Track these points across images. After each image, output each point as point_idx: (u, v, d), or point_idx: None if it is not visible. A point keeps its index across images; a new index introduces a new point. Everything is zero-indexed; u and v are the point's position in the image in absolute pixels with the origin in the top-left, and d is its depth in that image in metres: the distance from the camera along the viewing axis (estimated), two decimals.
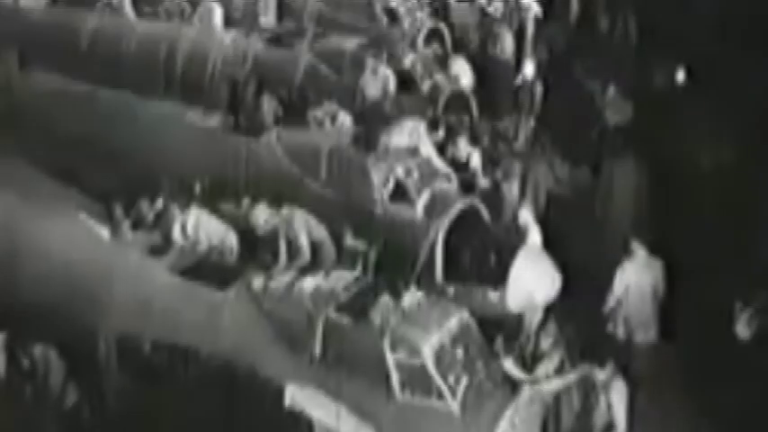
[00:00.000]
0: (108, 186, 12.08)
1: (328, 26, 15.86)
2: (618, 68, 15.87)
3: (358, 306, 7.84)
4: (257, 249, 9.37)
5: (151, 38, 15.46)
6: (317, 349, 7.76)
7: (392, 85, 13.17)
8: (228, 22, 16.17)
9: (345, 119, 11.75)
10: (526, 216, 10.44)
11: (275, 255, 9.17)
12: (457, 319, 7.89)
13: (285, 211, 9.68)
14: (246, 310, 8.22)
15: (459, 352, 7.63)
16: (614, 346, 8.30)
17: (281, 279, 8.39)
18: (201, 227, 9.38)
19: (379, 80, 13.09)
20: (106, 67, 15.27)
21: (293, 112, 13.19)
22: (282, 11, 16.66)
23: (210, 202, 10.56)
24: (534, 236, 10.28)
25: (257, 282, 8.36)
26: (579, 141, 14.60)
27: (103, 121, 12.50)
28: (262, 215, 9.69)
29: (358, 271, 8.66)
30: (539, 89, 14.76)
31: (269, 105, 13.01)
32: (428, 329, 7.64)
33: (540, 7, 17.73)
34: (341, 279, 8.26)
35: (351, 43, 14.26)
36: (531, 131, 14.46)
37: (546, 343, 7.96)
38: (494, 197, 11.92)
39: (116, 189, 11.89)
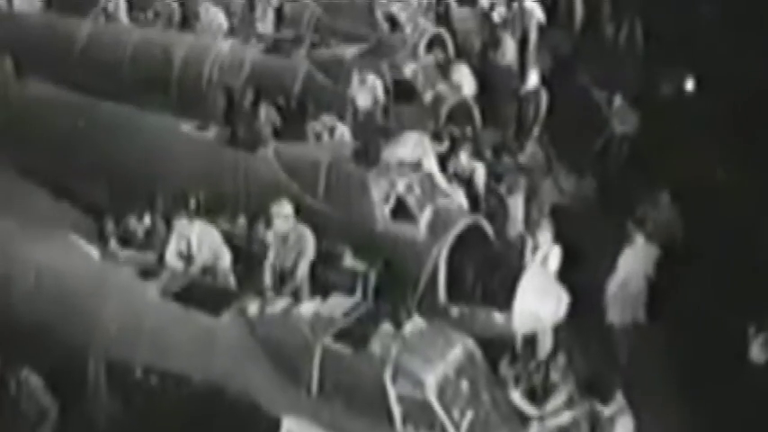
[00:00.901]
0: (100, 200, 11.87)
1: (327, 33, 15.52)
2: (624, 77, 15.53)
3: (358, 334, 7.46)
4: (253, 271, 9.04)
5: (147, 45, 15.11)
6: (315, 379, 7.39)
7: (381, 93, 12.82)
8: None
9: (345, 132, 11.38)
10: (545, 238, 10.06)
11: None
12: (461, 347, 7.52)
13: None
14: (241, 337, 7.85)
15: (465, 383, 7.26)
16: (621, 379, 7.91)
17: (278, 304, 8.01)
18: (199, 239, 9.02)
19: (368, 89, 12.72)
20: (100, 76, 14.90)
21: (291, 124, 12.88)
22: (281, 18, 16.27)
23: (205, 217, 10.30)
24: (554, 260, 9.92)
25: (252, 307, 8.00)
26: (585, 152, 14.31)
27: (96, 133, 12.11)
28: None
29: (358, 296, 8.30)
30: (543, 98, 14.40)
31: (266, 116, 12.69)
32: (431, 360, 7.27)
33: (543, 13, 17.39)
34: (340, 305, 7.87)
35: (350, 52, 13.90)
36: (536, 142, 14.12)
37: (556, 375, 7.60)
38: (498, 212, 11.63)
39: (108, 203, 11.70)
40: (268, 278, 9.06)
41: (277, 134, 12.26)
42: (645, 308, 10.33)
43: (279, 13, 16.33)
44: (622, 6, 17.85)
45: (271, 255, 9.25)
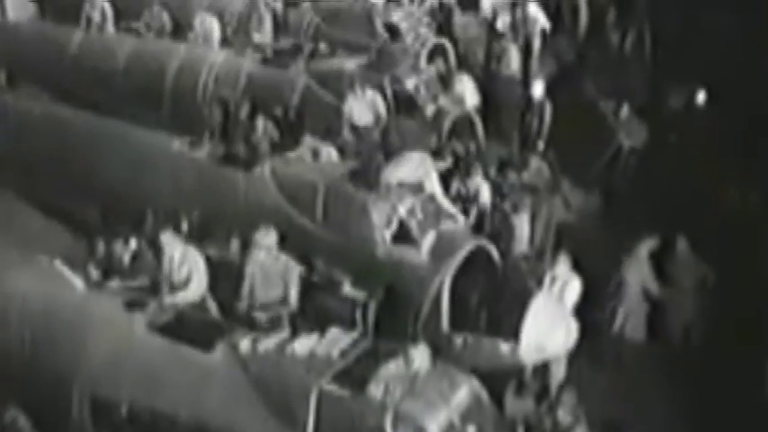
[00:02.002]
0: (92, 219, 11.46)
1: (326, 42, 15.07)
2: (632, 86, 15.05)
3: (357, 375, 7.00)
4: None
5: (140, 56, 14.72)
6: (311, 423, 6.94)
7: (382, 108, 12.36)
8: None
9: (333, 153, 10.88)
10: (563, 270, 9.62)
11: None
12: (467, 389, 7.07)
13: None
14: (232, 375, 7.40)
15: (471, 430, 6.80)
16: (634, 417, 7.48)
17: (271, 339, 7.55)
18: (182, 257, 8.58)
19: (366, 104, 12.26)
20: (92, 87, 14.58)
21: (289, 140, 12.44)
22: (278, 27, 15.79)
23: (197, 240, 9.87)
24: (572, 293, 9.50)
25: (245, 342, 7.54)
26: (591, 165, 13.83)
27: (87, 151, 11.73)
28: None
29: (357, 332, 7.84)
30: (548, 109, 13.91)
31: (263, 132, 12.24)
32: (434, 405, 6.81)
33: (547, 20, 16.92)
34: (338, 341, 7.41)
35: (350, 64, 13.44)
36: (541, 157, 13.63)
37: (566, 417, 7.14)
38: (503, 230, 11.18)
39: (99, 223, 11.30)
40: (242, 309, 8.59)
41: (274, 148, 11.81)
42: (645, 326, 10.12)
43: (276, 21, 15.86)
44: (628, 13, 17.36)
45: (246, 285, 8.78)
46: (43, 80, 15.03)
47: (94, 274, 8.60)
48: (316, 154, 10.84)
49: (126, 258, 8.75)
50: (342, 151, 11.04)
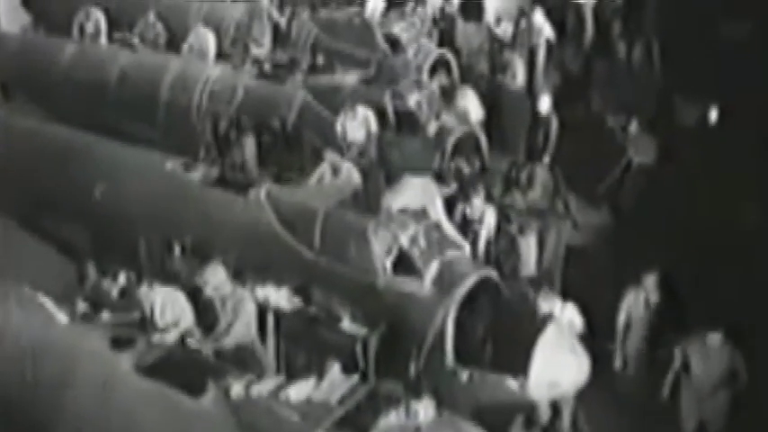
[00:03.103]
0: (82, 244, 11.02)
1: (325, 56, 14.62)
2: (640, 101, 14.58)
3: (357, 425, 6.56)
4: None
5: (133, 69, 14.25)
6: None
7: (374, 125, 11.90)
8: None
9: (354, 171, 10.44)
10: (571, 312, 9.15)
11: None
12: None
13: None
14: (222, 422, 6.94)
15: None
16: None
17: (266, 384, 7.10)
18: (163, 304, 8.14)
19: (359, 121, 11.81)
20: (84, 102, 14.17)
21: (285, 161, 12.02)
22: (276, 39, 15.34)
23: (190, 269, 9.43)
24: (579, 318, 9.05)
25: (237, 387, 7.09)
26: (600, 183, 13.37)
27: (77, 171, 11.22)
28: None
29: (356, 376, 7.38)
30: (554, 124, 13.42)
31: (251, 151, 11.83)
32: None
33: (553, 30, 16.47)
34: (336, 387, 6.96)
35: (350, 79, 12.99)
36: (547, 174, 13.17)
37: None
38: (509, 253, 10.74)
39: (90, 248, 10.86)
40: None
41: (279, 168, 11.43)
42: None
43: (274, 33, 15.41)
44: (636, 23, 16.90)
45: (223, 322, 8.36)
46: (36, 93, 14.73)
47: (81, 307, 8.13)
48: (336, 171, 10.44)
49: (114, 293, 8.29)
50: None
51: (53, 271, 10.70)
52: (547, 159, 13.23)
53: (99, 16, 15.91)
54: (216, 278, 8.40)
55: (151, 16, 15.50)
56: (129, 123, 13.64)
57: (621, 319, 9.61)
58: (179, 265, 10.09)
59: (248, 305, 8.38)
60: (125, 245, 10.50)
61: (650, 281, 9.51)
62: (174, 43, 15.39)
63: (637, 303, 9.54)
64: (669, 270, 9.72)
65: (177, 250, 10.22)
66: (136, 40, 15.14)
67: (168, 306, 8.11)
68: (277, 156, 12.55)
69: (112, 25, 16.05)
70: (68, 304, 8.38)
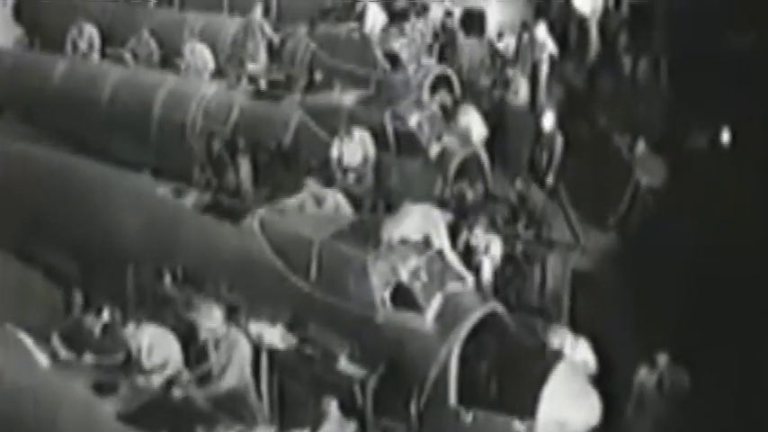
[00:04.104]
0: (70, 272, 10.62)
1: (323, 73, 14.22)
2: (648, 119, 14.14)
3: None
4: None
5: (126, 86, 13.88)
6: None
7: (371, 148, 11.47)
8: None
9: (341, 200, 9.96)
10: (585, 350, 8.70)
11: None
12: None
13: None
14: None
15: None
16: None
17: None
18: (150, 345, 7.69)
19: (355, 145, 11.37)
20: (76, 120, 13.82)
21: (281, 182, 11.59)
22: (272, 55, 14.92)
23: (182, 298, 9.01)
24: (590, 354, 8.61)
25: None
26: (606, 205, 12.93)
27: (67, 197, 10.81)
28: None
29: (353, 426, 6.94)
30: (559, 142, 12.97)
31: (247, 174, 11.41)
32: None
33: (556, 45, 16.06)
34: None
35: (348, 98, 12.56)
36: (553, 194, 12.74)
37: None
38: (515, 283, 10.32)
39: (78, 276, 10.47)
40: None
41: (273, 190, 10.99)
42: None
43: (270, 49, 15.00)
44: (642, 37, 16.46)
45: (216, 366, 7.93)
46: (27, 111, 14.36)
47: (62, 349, 7.66)
48: (319, 201, 9.93)
49: (97, 330, 7.82)
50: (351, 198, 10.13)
51: (38, 299, 10.37)
52: (551, 177, 12.82)
53: (92, 32, 15.55)
54: (210, 320, 7.95)
55: (144, 33, 15.10)
56: (122, 143, 13.30)
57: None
58: (172, 292, 9.68)
59: (243, 347, 7.93)
60: (113, 273, 10.09)
61: (663, 359, 8.89)
62: (168, 60, 15.04)
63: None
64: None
65: (168, 279, 9.80)
66: (128, 57, 14.75)
67: (156, 346, 7.65)
68: (273, 176, 12.17)
69: (105, 41, 15.71)
70: (51, 341, 7.90)
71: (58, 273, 10.75)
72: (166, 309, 9.40)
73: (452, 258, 8.99)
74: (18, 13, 17.99)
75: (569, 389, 8.18)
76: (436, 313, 8.49)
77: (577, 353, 8.49)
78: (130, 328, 7.77)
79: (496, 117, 14.26)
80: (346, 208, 9.79)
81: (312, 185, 10.03)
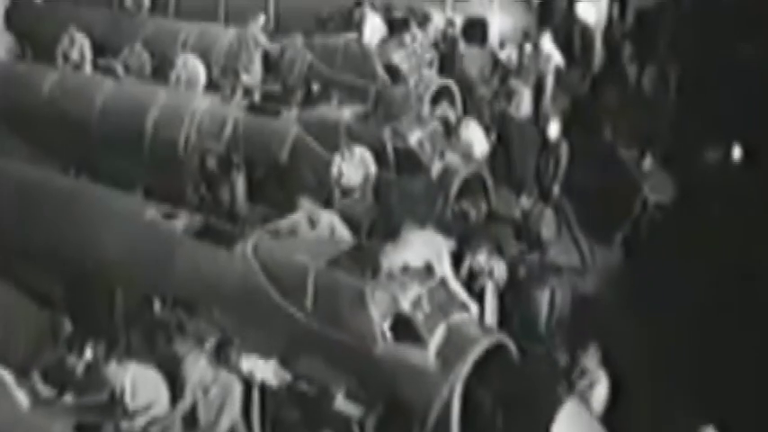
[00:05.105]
0: (56, 296, 10.17)
1: (321, 86, 13.81)
2: (655, 133, 13.69)
3: None
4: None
5: (117, 100, 13.49)
6: None
7: (372, 167, 11.06)
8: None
9: (336, 222, 9.51)
10: (593, 362, 8.28)
11: None
12: None
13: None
14: None
15: None
16: None
17: None
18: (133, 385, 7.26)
19: (356, 163, 10.97)
20: (66, 135, 13.40)
21: (277, 199, 11.17)
22: (268, 66, 14.50)
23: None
24: (601, 390, 8.16)
25: None
26: (612, 222, 12.51)
27: (53, 220, 10.32)
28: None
29: None
30: (565, 152, 12.51)
31: (242, 193, 11.00)
32: None
33: (562, 57, 15.64)
34: None
35: (346, 113, 12.13)
36: (557, 210, 12.30)
37: None
38: (521, 308, 9.88)
39: (64, 301, 10.02)
40: None
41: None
42: None
43: (266, 60, 14.58)
44: (649, 46, 16.03)
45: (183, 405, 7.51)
46: (17, 126, 13.92)
47: (43, 390, 7.24)
48: (313, 223, 9.48)
49: (79, 369, 7.39)
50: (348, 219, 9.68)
51: (26, 322, 9.95)
52: (556, 189, 12.39)
53: (83, 42, 15.14)
54: (196, 372, 7.51)
55: (137, 44, 14.69)
56: (113, 159, 12.88)
57: None
58: (163, 316, 9.27)
59: (235, 392, 7.49)
60: (101, 298, 9.66)
61: None
62: (160, 71, 14.63)
63: None
64: None
65: (157, 305, 9.38)
66: (120, 69, 14.34)
67: (141, 386, 7.23)
68: (269, 194, 11.76)
69: (98, 51, 15.31)
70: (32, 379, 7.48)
71: (44, 296, 10.34)
72: (158, 333, 9.05)
73: (456, 287, 8.55)
74: (9, 22, 17.64)
75: (578, 427, 7.74)
76: (439, 346, 8.04)
77: (600, 386, 8.08)
78: (113, 366, 7.32)
79: (499, 130, 13.89)
80: (342, 230, 9.34)
81: (306, 205, 9.55)
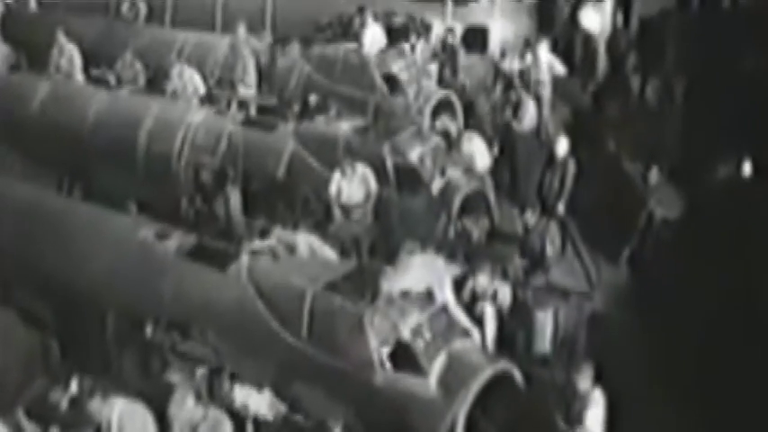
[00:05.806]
0: (45, 319, 9.86)
1: (318, 96, 13.47)
2: (661, 146, 13.34)
3: None
4: None
5: (110, 113, 13.15)
6: None
7: (374, 184, 10.77)
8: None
9: (316, 244, 9.17)
10: (585, 382, 7.95)
11: None
12: None
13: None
14: None
15: None
16: None
17: None
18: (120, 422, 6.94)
19: (356, 182, 10.66)
20: (57, 148, 13.07)
21: (274, 214, 10.88)
22: (264, 78, 14.17)
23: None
24: (597, 410, 7.84)
25: None
26: (618, 238, 12.18)
27: (42, 239, 9.97)
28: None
29: None
30: (571, 169, 12.17)
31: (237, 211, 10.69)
32: None
33: (564, 67, 15.33)
34: None
35: (344, 127, 11.82)
36: (562, 226, 11.98)
37: None
38: (524, 331, 9.57)
39: (53, 323, 9.71)
40: None
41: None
42: None
43: (261, 71, 14.24)
44: (654, 56, 15.69)
45: None
46: (8, 136, 13.61)
47: (27, 426, 6.90)
48: (291, 250, 9.11)
49: (64, 404, 7.05)
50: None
51: (17, 344, 9.63)
52: (561, 206, 12.06)
53: (73, 52, 14.81)
54: (185, 410, 7.19)
55: (128, 55, 14.37)
56: (106, 173, 12.60)
57: None
58: (156, 337, 8.97)
59: (226, 430, 7.17)
60: (92, 322, 9.34)
61: None
62: (154, 83, 14.31)
63: None
64: None
65: (149, 328, 9.06)
66: (113, 80, 14.03)
67: (128, 422, 6.89)
68: (265, 210, 11.45)
69: (90, 61, 14.99)
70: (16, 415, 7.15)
71: (35, 318, 10.02)
72: (152, 357, 8.76)
73: (458, 313, 8.23)
74: (4, 30, 17.34)
75: None
76: (440, 375, 7.74)
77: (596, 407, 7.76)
78: (99, 401, 6.99)
79: (502, 142, 13.61)
80: (324, 249, 9.01)
81: (278, 233, 9.21)
